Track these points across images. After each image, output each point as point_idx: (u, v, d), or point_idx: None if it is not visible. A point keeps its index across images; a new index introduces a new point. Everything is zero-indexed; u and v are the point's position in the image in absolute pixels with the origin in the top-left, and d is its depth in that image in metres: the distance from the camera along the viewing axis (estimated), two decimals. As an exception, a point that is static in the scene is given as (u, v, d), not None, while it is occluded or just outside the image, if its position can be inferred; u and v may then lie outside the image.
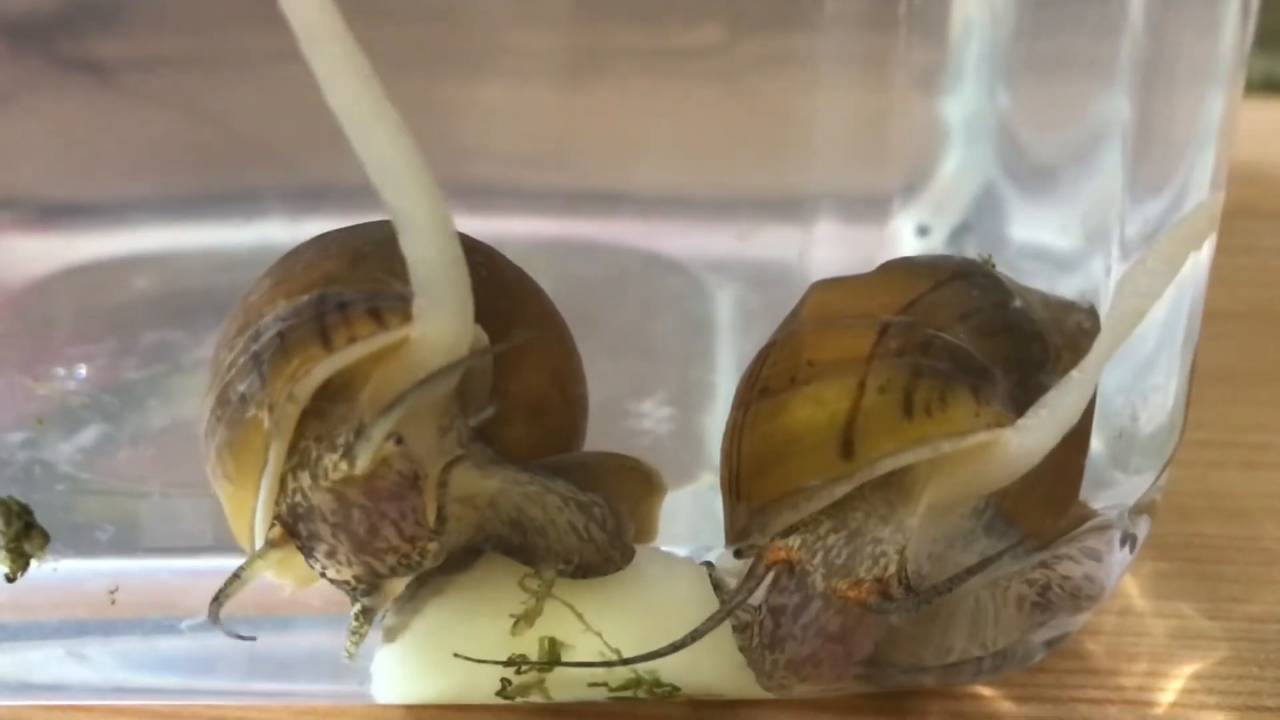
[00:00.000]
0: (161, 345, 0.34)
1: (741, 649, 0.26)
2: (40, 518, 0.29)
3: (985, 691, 0.30)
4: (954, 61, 0.38)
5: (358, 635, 0.26)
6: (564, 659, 0.27)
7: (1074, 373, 0.25)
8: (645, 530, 0.29)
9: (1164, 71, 0.30)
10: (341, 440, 0.25)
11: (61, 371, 0.33)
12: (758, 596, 0.26)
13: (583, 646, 0.27)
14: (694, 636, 0.26)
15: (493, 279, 0.27)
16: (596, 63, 0.36)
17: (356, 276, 0.26)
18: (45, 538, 0.29)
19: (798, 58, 0.36)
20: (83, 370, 0.33)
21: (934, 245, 0.38)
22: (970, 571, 0.26)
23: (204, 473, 0.27)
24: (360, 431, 0.24)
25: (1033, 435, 0.25)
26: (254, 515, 0.25)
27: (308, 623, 0.30)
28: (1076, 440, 0.27)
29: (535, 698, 0.28)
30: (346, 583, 0.26)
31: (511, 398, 0.27)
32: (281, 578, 0.27)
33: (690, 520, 0.30)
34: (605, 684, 0.27)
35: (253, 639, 0.26)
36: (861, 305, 0.27)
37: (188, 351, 0.34)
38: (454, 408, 0.26)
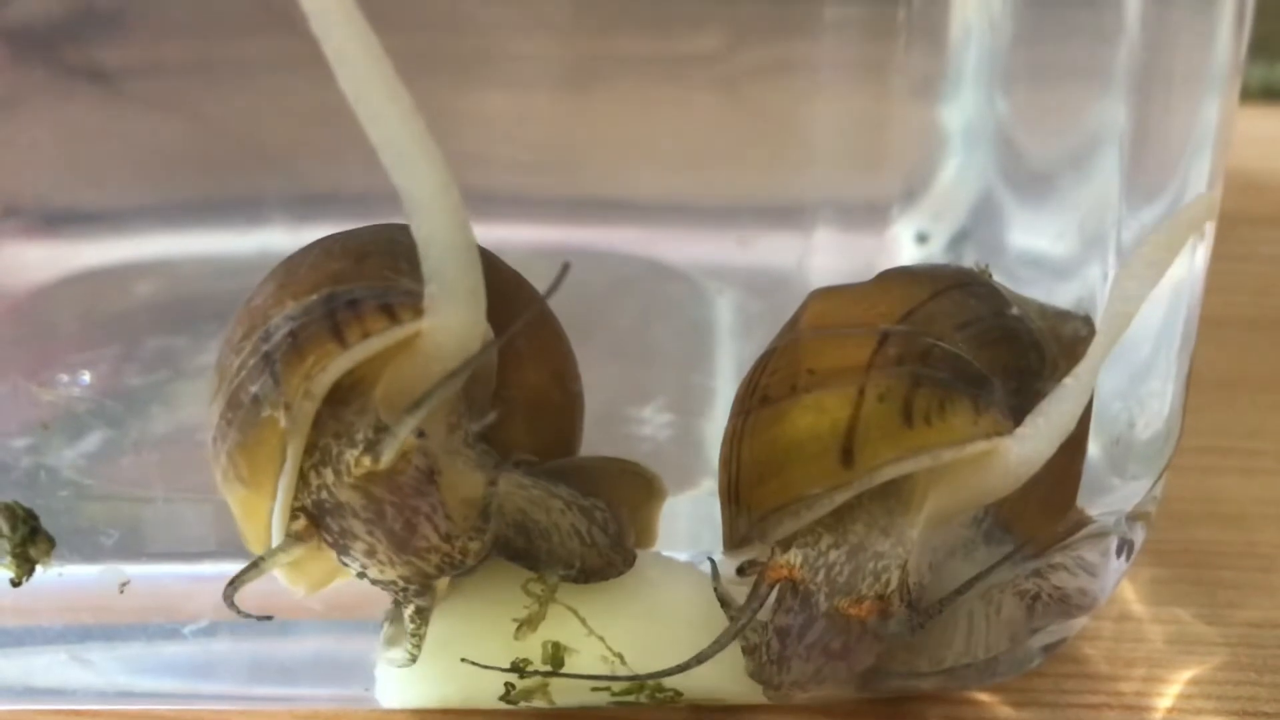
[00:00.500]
0: (165, 351, 0.34)
1: (749, 672, 0.27)
2: (44, 523, 0.29)
3: (983, 697, 0.30)
4: (952, 69, 0.38)
5: (418, 637, 0.26)
6: (567, 663, 0.27)
7: (1068, 380, 0.26)
8: (645, 535, 0.29)
9: (1160, 79, 0.30)
10: (361, 436, 0.25)
11: (65, 377, 0.33)
12: (762, 614, 0.26)
13: (586, 651, 0.27)
14: (700, 659, 0.26)
15: (490, 283, 0.27)
16: (597, 70, 0.36)
17: (364, 274, 0.26)
18: (50, 543, 0.29)
19: (797, 65, 0.37)
20: (86, 376, 0.33)
21: (933, 252, 0.38)
22: (969, 585, 0.26)
23: (208, 478, 0.27)
24: (381, 427, 0.25)
25: (1031, 443, 0.26)
26: (270, 516, 0.25)
27: (310, 627, 0.30)
28: (1073, 446, 0.27)
29: (539, 703, 0.28)
30: (393, 583, 0.26)
31: (514, 396, 0.27)
32: (295, 583, 0.27)
33: (690, 525, 0.30)
34: (608, 689, 0.28)
35: (269, 618, 0.26)
36: (861, 314, 0.27)
37: (191, 357, 0.34)
38: (460, 406, 0.26)
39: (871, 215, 0.38)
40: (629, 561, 0.28)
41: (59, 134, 0.34)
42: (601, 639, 0.27)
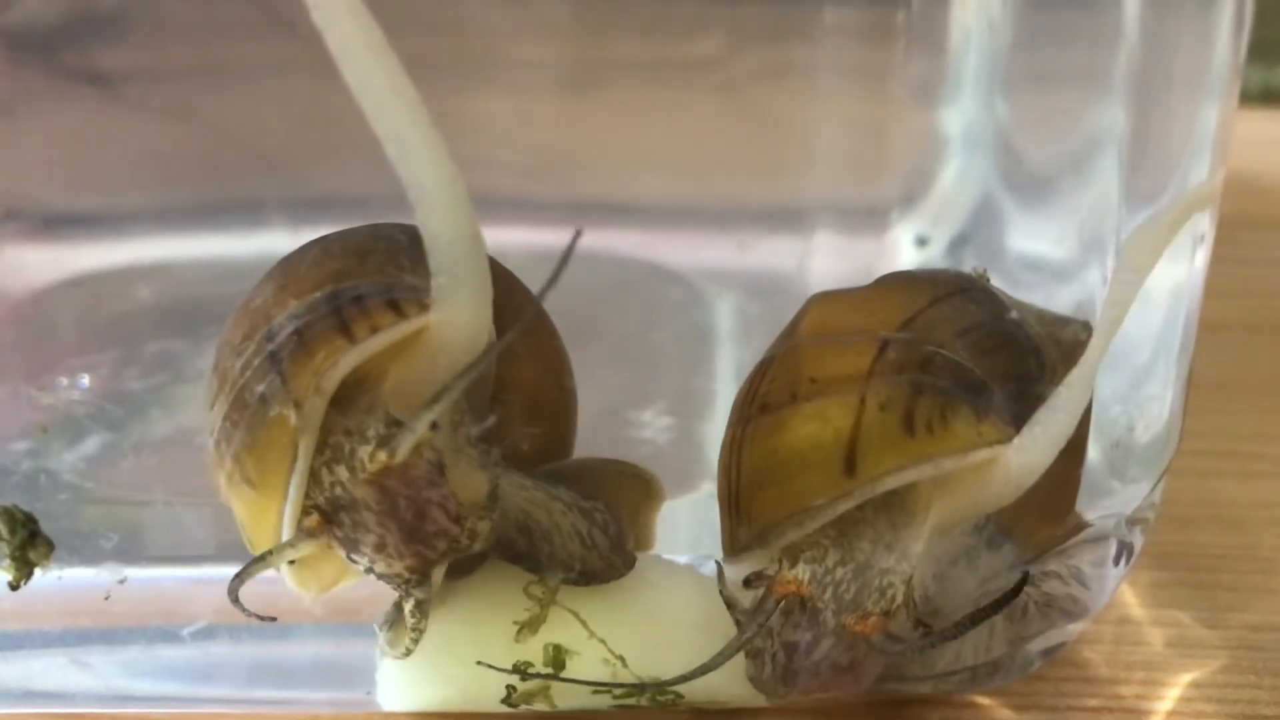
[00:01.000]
0: (164, 355, 0.34)
1: (752, 679, 0.27)
2: (44, 526, 0.29)
3: (983, 700, 0.30)
4: (952, 73, 0.38)
5: (418, 631, 0.26)
6: (568, 666, 0.27)
7: (1062, 388, 0.25)
8: (643, 538, 0.29)
9: (1160, 82, 0.30)
10: (373, 432, 0.25)
11: (65, 381, 0.33)
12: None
13: (587, 653, 0.27)
14: (705, 669, 0.26)
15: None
16: (597, 74, 0.36)
17: (366, 271, 0.26)
18: (49, 546, 0.29)
19: (797, 69, 0.37)
20: (86, 380, 0.33)
21: (932, 256, 0.38)
22: (987, 612, 0.26)
23: (208, 482, 0.27)
24: (393, 421, 0.25)
25: (1031, 452, 0.26)
26: (279, 517, 0.25)
27: (310, 631, 0.30)
28: (1073, 450, 0.27)
29: (540, 705, 0.28)
30: (399, 575, 0.26)
31: (511, 394, 0.27)
32: (304, 585, 0.27)
33: (690, 529, 0.30)
34: (609, 691, 0.28)
35: (273, 620, 0.26)
36: (861, 321, 0.27)
37: (190, 361, 0.34)
38: (463, 404, 0.26)
39: (871, 219, 0.38)
40: (629, 564, 0.28)
41: (59, 137, 0.34)
42: (603, 641, 0.27)
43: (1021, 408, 0.26)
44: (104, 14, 0.34)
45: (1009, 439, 0.26)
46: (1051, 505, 0.28)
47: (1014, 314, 0.28)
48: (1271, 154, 0.58)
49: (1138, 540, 0.31)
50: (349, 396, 0.25)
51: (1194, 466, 0.36)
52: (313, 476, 0.25)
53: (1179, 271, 0.30)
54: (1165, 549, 0.34)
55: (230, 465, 0.26)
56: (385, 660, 0.28)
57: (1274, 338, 0.47)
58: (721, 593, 0.27)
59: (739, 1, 0.36)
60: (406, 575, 0.26)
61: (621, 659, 0.27)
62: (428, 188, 0.23)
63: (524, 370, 0.28)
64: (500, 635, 0.27)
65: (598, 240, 0.37)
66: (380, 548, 0.25)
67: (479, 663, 0.27)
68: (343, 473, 0.25)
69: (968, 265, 0.31)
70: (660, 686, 0.27)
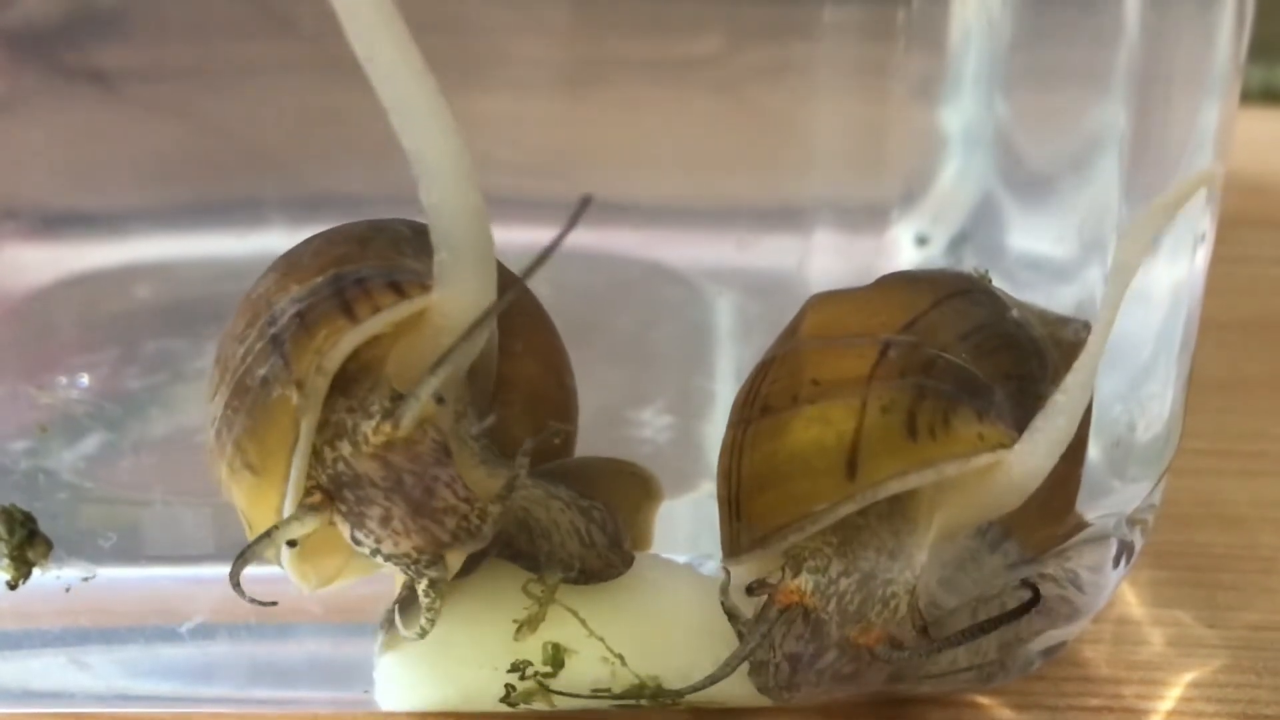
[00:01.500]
0: (163, 354, 0.34)
1: (758, 687, 0.27)
2: (43, 525, 0.29)
3: (983, 700, 0.30)
4: (952, 71, 0.38)
5: (433, 611, 0.26)
6: (567, 664, 0.27)
7: (1060, 392, 0.25)
8: (641, 537, 0.29)
9: (1160, 81, 0.30)
10: (376, 407, 0.25)
11: (64, 380, 0.33)
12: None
13: (586, 652, 0.27)
14: (711, 680, 0.26)
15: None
16: (596, 73, 0.36)
17: (368, 256, 0.26)
18: (48, 545, 0.29)
19: (796, 68, 0.37)
20: (85, 379, 0.33)
21: (932, 254, 0.38)
22: (990, 625, 0.26)
23: (207, 481, 0.27)
24: (397, 396, 0.25)
25: (1034, 455, 0.25)
26: (282, 499, 0.25)
27: (308, 630, 0.30)
28: (1073, 450, 0.27)
29: (539, 705, 0.28)
30: (407, 555, 0.25)
31: (513, 391, 0.27)
32: (304, 578, 0.27)
33: (690, 528, 0.30)
34: (609, 690, 0.28)
35: (274, 604, 0.26)
36: (862, 323, 0.27)
37: (189, 360, 0.34)
38: (466, 395, 0.26)
39: (871, 218, 0.38)
40: (627, 562, 0.28)
41: (58, 136, 0.34)
42: (602, 640, 0.27)
43: (1024, 409, 0.26)
44: (103, 13, 0.34)
45: (1011, 443, 0.26)
46: (1052, 505, 0.28)
47: (1015, 315, 0.28)
48: (1272, 153, 0.58)
49: (1138, 539, 0.31)
50: (351, 380, 0.25)
51: (1194, 465, 0.36)
52: (315, 455, 0.25)
53: (1180, 270, 0.30)
54: (1166, 548, 0.34)
55: (231, 453, 0.25)
56: (384, 659, 0.28)
57: (1275, 336, 0.47)
58: (723, 603, 0.27)
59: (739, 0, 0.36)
60: (415, 555, 0.25)
61: (620, 657, 0.27)
62: (432, 160, 0.23)
63: (525, 369, 0.28)
64: (499, 634, 0.27)
65: (597, 239, 0.37)
66: (385, 521, 0.25)
67: (498, 668, 0.27)
68: (345, 448, 0.25)
69: (968, 264, 0.31)
70: (672, 695, 0.27)
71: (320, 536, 0.26)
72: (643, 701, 0.28)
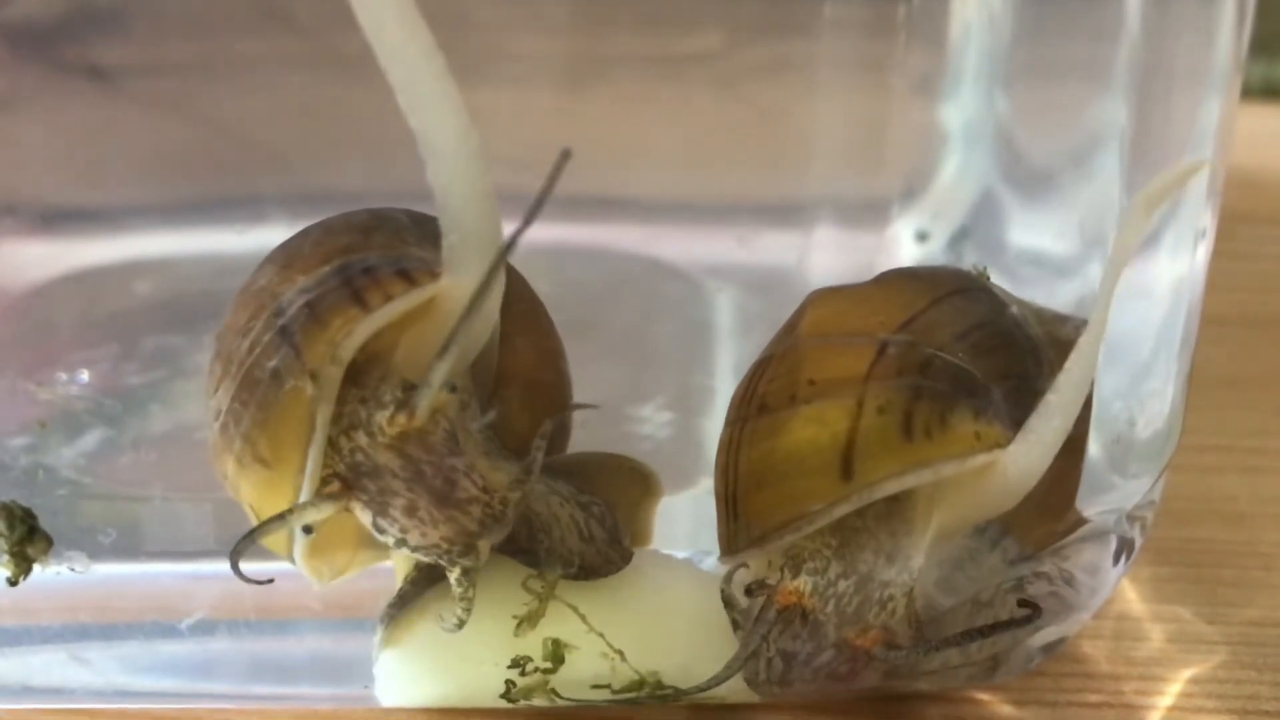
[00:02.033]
0: (163, 350, 0.34)
1: (748, 680, 0.27)
2: (42, 522, 0.29)
3: (983, 695, 0.30)
4: (952, 67, 0.38)
5: (467, 600, 0.26)
6: (567, 660, 0.27)
7: (1052, 394, 0.25)
8: (641, 533, 0.29)
9: (1161, 77, 0.30)
10: (389, 398, 0.25)
11: (63, 376, 0.33)
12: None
13: (586, 648, 0.27)
14: (715, 681, 0.26)
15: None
16: (596, 69, 0.36)
17: (372, 245, 0.25)
18: (48, 542, 0.29)
19: (797, 63, 0.37)
20: (85, 375, 0.33)
21: (933, 250, 0.38)
22: (987, 631, 0.26)
23: (207, 477, 0.27)
24: (409, 386, 0.25)
25: (1028, 456, 0.25)
26: (296, 490, 0.25)
27: (309, 626, 0.30)
28: (1073, 446, 0.27)
29: (539, 701, 0.28)
30: (436, 546, 0.25)
31: (511, 376, 0.27)
32: (315, 573, 0.27)
33: (690, 525, 0.30)
34: (609, 686, 0.28)
35: (270, 581, 0.26)
36: (860, 321, 0.27)
37: (189, 356, 0.34)
38: (469, 385, 0.26)
39: (871, 214, 0.38)
40: (626, 558, 0.28)
41: (57, 132, 0.34)
42: (602, 635, 0.27)
43: (1022, 408, 0.26)
44: (103, 9, 0.34)
45: (1008, 442, 0.25)
46: (1051, 501, 0.28)
47: (1013, 314, 0.28)
48: (1273, 149, 0.58)
49: (1138, 536, 0.31)
50: (361, 370, 0.25)
51: (1195, 462, 0.36)
52: (330, 445, 0.25)
53: (1180, 266, 0.30)
54: (1166, 544, 0.34)
55: (241, 446, 0.25)
56: (384, 655, 0.28)
57: (1275, 333, 0.47)
58: (722, 591, 0.27)
59: (739, -4, 0.36)
60: (446, 545, 0.25)
61: (620, 653, 0.27)
62: (440, 141, 0.23)
63: (524, 358, 0.28)
64: (499, 630, 0.27)
65: (597, 235, 0.37)
66: (411, 511, 0.25)
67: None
68: (362, 438, 0.25)
69: (968, 261, 0.31)
70: (674, 695, 0.27)
71: (330, 530, 0.26)
72: (642, 695, 0.28)
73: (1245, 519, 0.36)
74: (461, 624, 0.26)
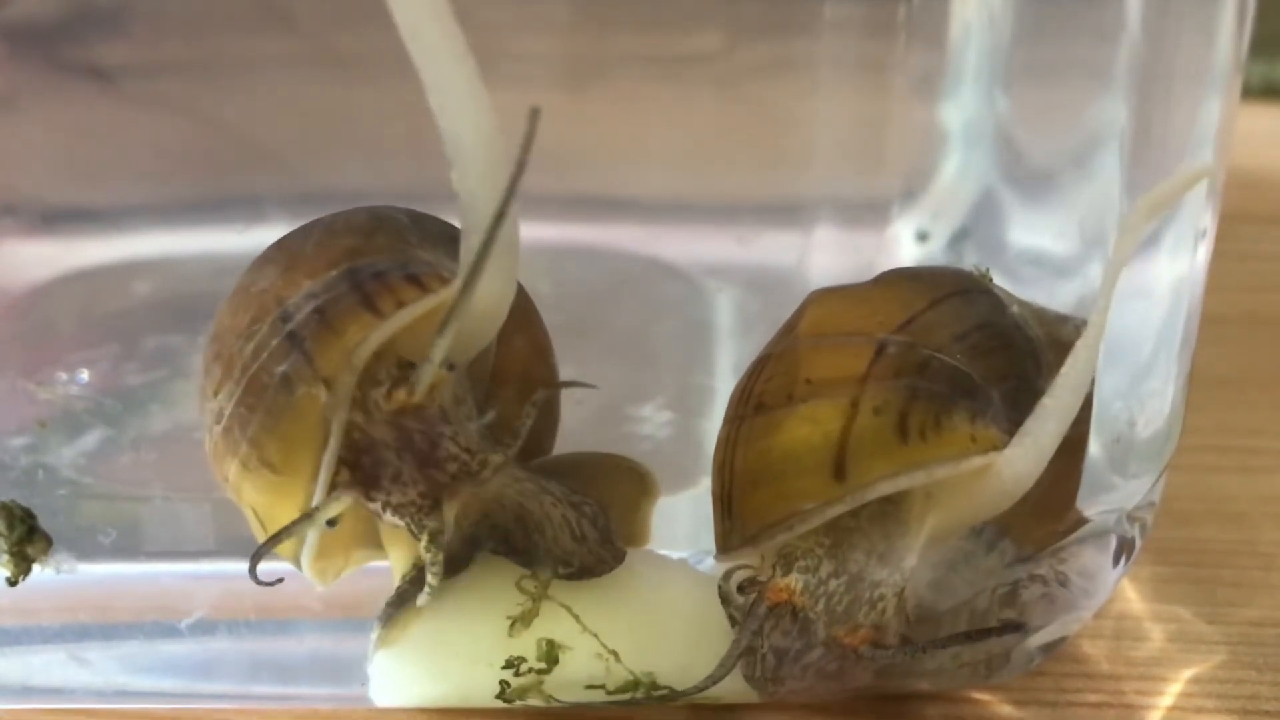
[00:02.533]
0: (163, 350, 0.34)
1: (745, 676, 0.27)
2: (42, 522, 0.29)
3: (983, 695, 0.30)
4: (952, 67, 0.38)
5: (436, 564, 0.26)
6: (561, 660, 0.27)
7: (1048, 398, 0.25)
8: (638, 533, 0.29)
9: (1161, 77, 0.30)
10: (384, 375, 0.25)
11: (63, 376, 0.33)
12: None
13: (580, 648, 0.27)
14: (711, 681, 0.26)
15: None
16: (596, 69, 0.36)
17: (377, 248, 0.26)
18: (48, 542, 0.29)
19: (797, 63, 0.36)
20: (84, 375, 0.33)
21: (933, 250, 0.38)
22: (976, 636, 0.26)
23: (207, 477, 0.27)
24: (405, 364, 0.25)
25: (1024, 459, 0.25)
26: (306, 495, 0.25)
27: (308, 626, 0.30)
28: (1073, 446, 0.27)
29: (534, 701, 0.28)
30: (411, 504, 0.25)
31: (506, 373, 0.27)
32: (321, 577, 0.27)
33: (690, 525, 0.30)
34: (603, 686, 0.28)
35: (279, 581, 0.26)
36: (859, 321, 0.27)
37: (189, 356, 0.34)
38: (465, 380, 0.26)
39: (871, 214, 0.38)
40: (618, 558, 0.28)
41: (57, 132, 0.34)
42: (596, 636, 0.27)
43: (1021, 410, 0.26)
44: (102, 8, 0.34)
45: (1003, 445, 0.25)
46: (1051, 502, 0.28)
47: (1013, 316, 0.28)
48: (1273, 149, 0.58)
49: (1138, 536, 0.31)
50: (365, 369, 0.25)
51: (1195, 461, 0.36)
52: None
53: (1180, 266, 0.30)
54: (1166, 544, 0.34)
55: (246, 450, 0.25)
56: (378, 655, 0.28)
57: (1275, 333, 0.47)
58: (720, 587, 0.27)
59: (738, -5, 0.36)
60: (419, 502, 0.25)
61: (615, 653, 0.27)
62: (468, 141, 0.23)
63: (518, 353, 0.28)
64: (494, 630, 0.27)
65: (597, 235, 0.37)
66: (396, 478, 0.25)
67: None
68: (358, 417, 0.25)
69: (969, 261, 0.31)
70: (669, 696, 0.27)
71: (331, 535, 0.26)
72: (638, 695, 0.28)
73: (1245, 519, 0.36)
74: (432, 590, 0.26)
